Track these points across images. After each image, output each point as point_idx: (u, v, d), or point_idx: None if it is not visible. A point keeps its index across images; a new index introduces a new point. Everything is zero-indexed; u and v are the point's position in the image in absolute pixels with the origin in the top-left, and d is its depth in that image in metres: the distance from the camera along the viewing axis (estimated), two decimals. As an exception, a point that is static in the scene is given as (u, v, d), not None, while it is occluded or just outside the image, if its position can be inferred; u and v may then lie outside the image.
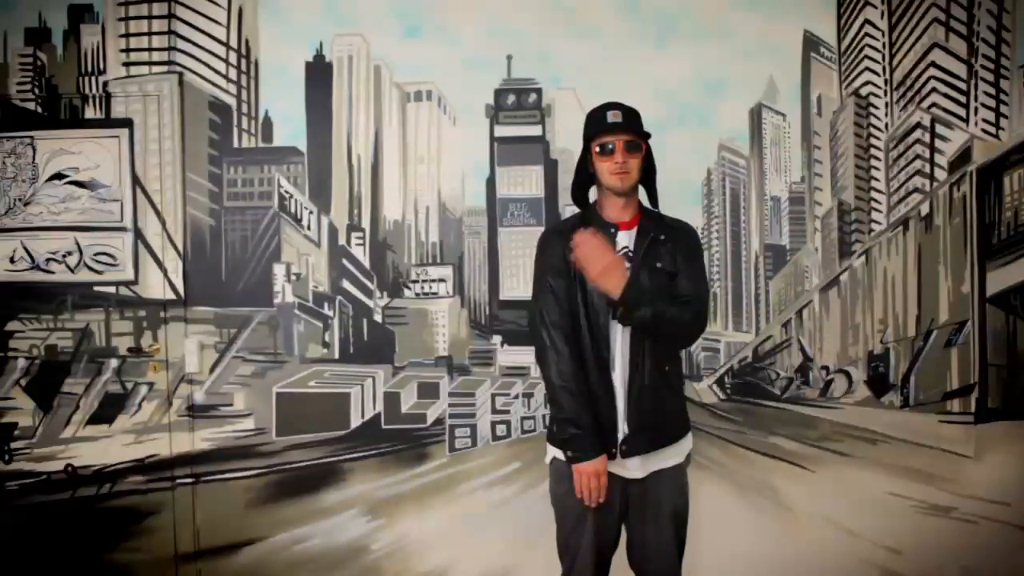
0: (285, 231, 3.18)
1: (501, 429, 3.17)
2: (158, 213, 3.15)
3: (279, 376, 3.16)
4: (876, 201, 3.16)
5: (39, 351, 3.16)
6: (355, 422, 3.16)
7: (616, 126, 2.05)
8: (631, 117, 2.08)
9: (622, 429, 2.03)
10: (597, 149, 2.06)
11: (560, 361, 2.01)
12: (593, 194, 2.17)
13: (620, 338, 2.03)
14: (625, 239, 2.08)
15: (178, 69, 3.18)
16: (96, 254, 3.14)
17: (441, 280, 3.23)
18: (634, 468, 2.04)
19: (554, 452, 2.12)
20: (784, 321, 3.19)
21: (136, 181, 3.14)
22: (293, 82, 3.18)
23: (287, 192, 3.18)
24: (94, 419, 3.15)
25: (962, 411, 3.04)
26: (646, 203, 2.18)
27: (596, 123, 2.08)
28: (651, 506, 2.06)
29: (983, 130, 3.11)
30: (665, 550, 2.08)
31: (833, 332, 3.16)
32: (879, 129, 3.17)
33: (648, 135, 2.10)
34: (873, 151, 3.17)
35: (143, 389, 3.17)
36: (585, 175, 2.14)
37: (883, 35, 3.17)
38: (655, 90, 3.08)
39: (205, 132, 3.18)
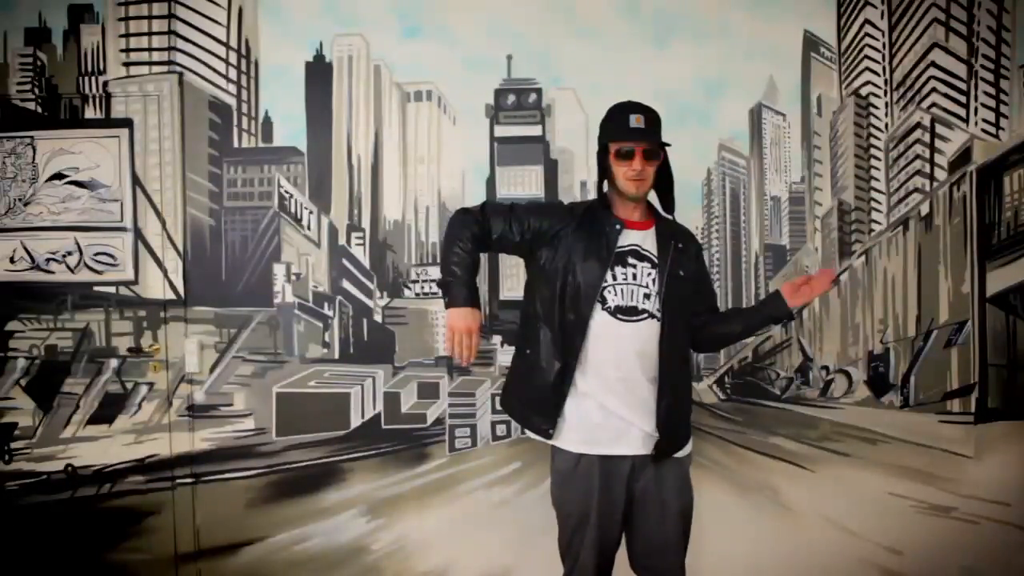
0: (285, 231, 3.18)
1: (501, 429, 3.17)
2: (158, 213, 3.15)
3: (279, 376, 3.16)
4: (876, 201, 3.16)
5: (39, 351, 3.16)
6: (355, 422, 3.16)
7: (638, 132, 2.02)
8: (654, 124, 2.05)
9: (642, 426, 2.03)
10: (615, 152, 2.04)
11: (469, 221, 2.06)
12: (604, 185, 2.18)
13: (611, 330, 2.02)
14: (632, 237, 2.08)
15: (178, 69, 3.18)
16: (96, 254, 3.14)
17: (441, 280, 3.22)
18: (638, 446, 2.04)
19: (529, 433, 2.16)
20: (784, 321, 3.19)
21: (136, 181, 3.14)
22: (293, 82, 3.18)
23: (287, 192, 3.18)
24: (94, 419, 3.15)
25: (962, 411, 3.05)
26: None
27: (618, 125, 2.04)
28: (656, 506, 2.06)
29: (983, 130, 3.11)
30: (671, 549, 2.08)
31: (833, 332, 3.16)
32: (879, 129, 3.17)
33: (667, 143, 2.08)
34: (873, 151, 3.17)
35: (143, 389, 3.17)
36: (604, 171, 2.13)
37: (883, 35, 3.17)
38: (655, 90, 3.04)
39: (205, 132, 3.18)
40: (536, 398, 2.07)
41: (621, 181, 2.05)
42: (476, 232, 2.06)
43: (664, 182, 2.13)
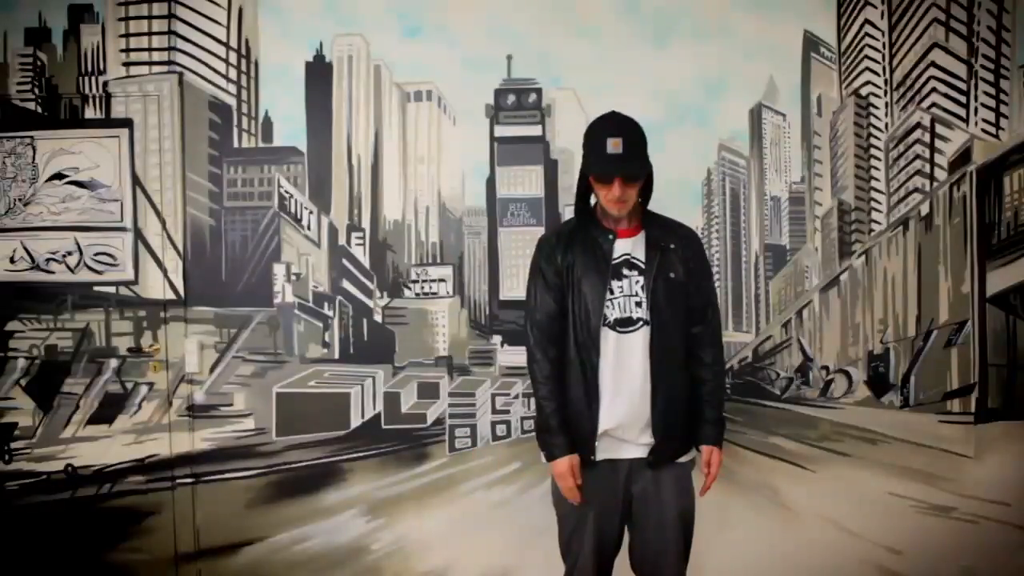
0: (285, 231, 3.18)
1: (501, 429, 3.17)
2: (158, 213, 3.15)
3: (279, 376, 3.16)
4: (876, 201, 3.16)
5: (39, 351, 3.16)
6: (355, 422, 3.16)
7: (615, 160, 1.95)
8: (633, 146, 1.97)
9: (639, 438, 2.03)
10: (594, 176, 2.02)
11: (541, 364, 2.06)
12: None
13: (612, 344, 2.03)
14: (624, 246, 2.07)
15: (178, 69, 3.18)
16: (96, 254, 3.14)
17: (441, 280, 3.23)
18: (635, 450, 2.04)
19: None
20: (784, 321, 3.19)
21: (136, 181, 3.15)
22: (293, 82, 3.18)
23: (287, 192, 3.18)
24: (94, 419, 3.15)
25: (962, 411, 3.04)
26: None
27: (596, 153, 1.99)
28: (655, 508, 2.06)
29: (983, 130, 3.11)
30: (669, 553, 2.07)
31: (833, 332, 3.16)
32: (879, 129, 3.17)
33: (648, 165, 2.04)
34: (873, 151, 3.17)
35: (143, 389, 3.17)
36: (586, 182, 2.09)
37: (883, 35, 3.17)
38: (655, 90, 3.08)
39: (205, 132, 3.18)
40: (578, 434, 2.05)
41: (604, 202, 2.04)
42: (545, 356, 2.07)
43: (643, 191, 2.09)
